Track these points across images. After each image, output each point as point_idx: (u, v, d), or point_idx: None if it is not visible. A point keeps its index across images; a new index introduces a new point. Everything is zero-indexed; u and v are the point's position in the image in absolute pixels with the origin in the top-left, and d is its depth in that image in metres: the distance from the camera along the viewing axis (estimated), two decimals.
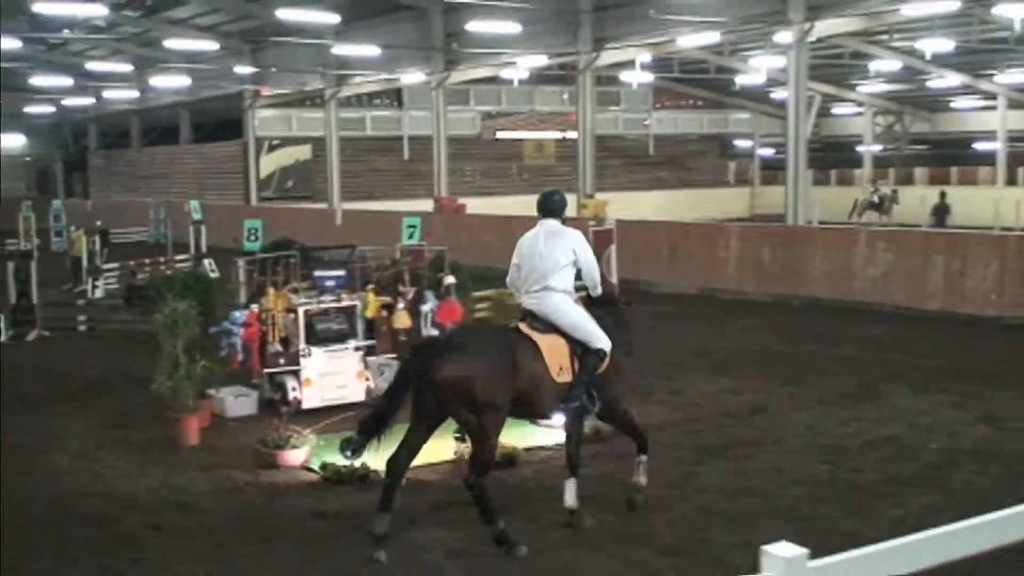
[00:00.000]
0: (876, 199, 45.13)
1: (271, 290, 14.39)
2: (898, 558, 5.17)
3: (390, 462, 8.97)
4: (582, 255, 9.69)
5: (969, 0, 26.13)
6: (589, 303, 9.85)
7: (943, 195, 40.71)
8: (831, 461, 11.54)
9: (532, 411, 9.60)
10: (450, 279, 15.18)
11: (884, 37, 40.07)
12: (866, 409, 13.85)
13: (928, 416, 13.42)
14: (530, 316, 9.50)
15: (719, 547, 8.58)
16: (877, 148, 56.28)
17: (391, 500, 8.88)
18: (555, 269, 9.50)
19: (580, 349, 9.42)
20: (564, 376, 9.29)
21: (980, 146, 54.48)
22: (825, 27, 28.71)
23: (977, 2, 27.11)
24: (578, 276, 9.83)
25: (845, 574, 4.98)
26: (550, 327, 9.40)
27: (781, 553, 4.75)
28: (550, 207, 9.88)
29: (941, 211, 39.63)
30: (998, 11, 30.78)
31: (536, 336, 9.31)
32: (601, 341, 9.48)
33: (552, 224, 9.79)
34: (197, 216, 31.86)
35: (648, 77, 50.40)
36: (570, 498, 9.54)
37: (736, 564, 4.79)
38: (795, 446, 12.20)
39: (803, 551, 4.80)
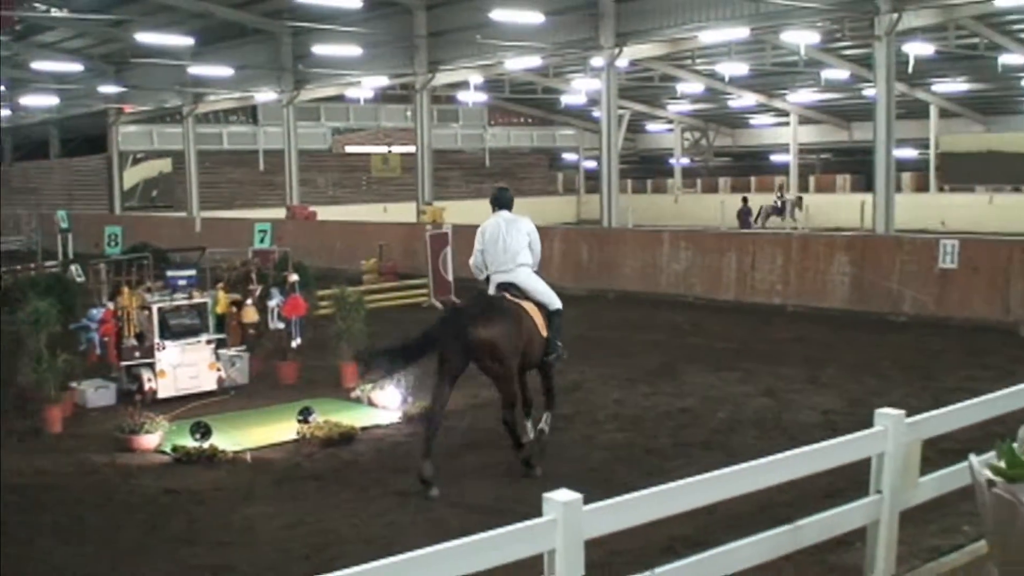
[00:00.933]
0: (779, 204, 44.31)
1: (125, 289, 14.26)
2: (656, 502, 5.45)
3: (428, 416, 9.98)
4: (533, 237, 10.80)
5: (758, 28, 26.83)
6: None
7: (745, 200, 41.86)
8: (632, 430, 11.93)
9: (529, 361, 10.45)
10: (293, 277, 15.22)
11: (688, 62, 41.02)
12: (665, 385, 14.26)
13: (718, 390, 13.88)
14: (507, 288, 10.42)
15: (528, 504, 8.75)
16: (686, 160, 57.49)
17: (430, 448, 9.59)
18: (520, 249, 10.56)
19: (545, 311, 10.52)
20: (544, 331, 10.42)
21: (775, 158, 55.98)
22: (633, 52, 29.23)
23: (766, 29, 27.86)
24: None
25: (612, 515, 5.23)
26: (523, 295, 10.42)
27: (559, 498, 4.97)
28: (504, 201, 10.92)
29: (745, 214, 40.77)
30: (786, 37, 31.72)
31: (521, 302, 10.32)
32: (558, 302, 10.75)
33: (507, 214, 10.80)
34: (64, 225, 31.26)
35: (483, 97, 50.79)
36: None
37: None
38: (603, 417, 12.55)
39: (578, 496, 5.03)
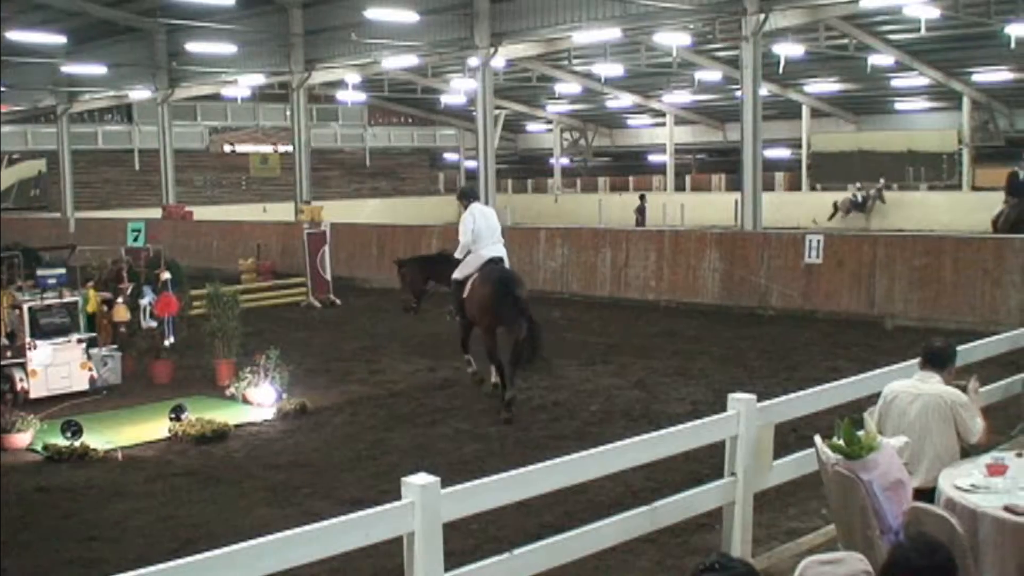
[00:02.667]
0: (860, 199, 41.96)
1: None
2: (510, 486, 5.62)
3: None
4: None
5: (630, 29, 27.23)
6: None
7: (643, 198, 42.40)
8: (506, 423, 12.09)
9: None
10: (165, 275, 15.11)
11: (565, 62, 41.31)
12: (539, 380, 14.36)
13: (591, 383, 14.14)
14: (495, 260, 13.02)
15: (395, 496, 8.91)
16: (565, 160, 57.95)
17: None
18: (497, 229, 13.35)
19: None
20: None
21: (652, 157, 56.66)
22: (508, 52, 29.45)
23: (638, 31, 28.26)
24: None
25: (469, 498, 5.38)
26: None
27: (417, 482, 5.12)
28: (475, 193, 14.28)
29: (639, 212, 41.40)
30: (658, 39, 32.16)
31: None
32: None
33: (480, 204, 13.70)
34: None
35: (362, 96, 50.62)
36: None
37: None
38: (476, 412, 12.69)
39: (435, 479, 5.18)
